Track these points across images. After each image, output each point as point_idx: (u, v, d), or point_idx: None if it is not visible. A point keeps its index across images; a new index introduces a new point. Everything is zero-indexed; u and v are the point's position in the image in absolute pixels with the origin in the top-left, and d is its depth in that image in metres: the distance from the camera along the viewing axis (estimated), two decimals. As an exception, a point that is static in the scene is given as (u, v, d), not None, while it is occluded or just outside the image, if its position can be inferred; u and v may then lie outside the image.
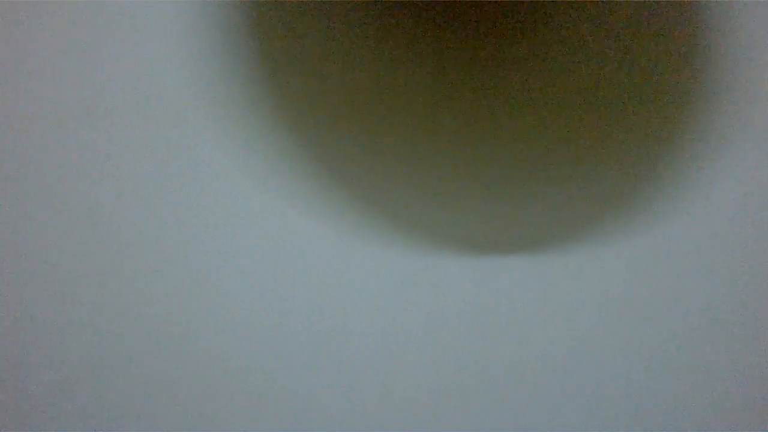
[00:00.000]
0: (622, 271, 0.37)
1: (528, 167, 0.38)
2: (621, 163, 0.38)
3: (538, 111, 0.38)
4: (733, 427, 0.36)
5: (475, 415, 0.35)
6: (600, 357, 0.36)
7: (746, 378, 0.36)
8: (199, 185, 0.37)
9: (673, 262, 0.37)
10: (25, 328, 0.36)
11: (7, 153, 0.38)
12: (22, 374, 0.35)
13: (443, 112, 0.38)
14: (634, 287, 0.36)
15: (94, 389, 0.35)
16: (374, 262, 0.37)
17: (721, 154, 0.38)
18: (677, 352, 0.36)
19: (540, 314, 0.36)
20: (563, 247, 0.37)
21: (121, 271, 0.36)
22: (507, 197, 0.37)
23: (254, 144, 0.38)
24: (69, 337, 0.36)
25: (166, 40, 0.39)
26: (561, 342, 0.36)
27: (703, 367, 0.36)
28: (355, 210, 0.37)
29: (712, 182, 0.38)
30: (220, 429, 0.35)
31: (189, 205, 0.37)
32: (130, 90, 0.38)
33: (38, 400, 0.35)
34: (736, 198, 0.37)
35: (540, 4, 0.39)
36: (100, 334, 0.36)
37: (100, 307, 0.36)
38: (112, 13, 0.39)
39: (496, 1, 0.39)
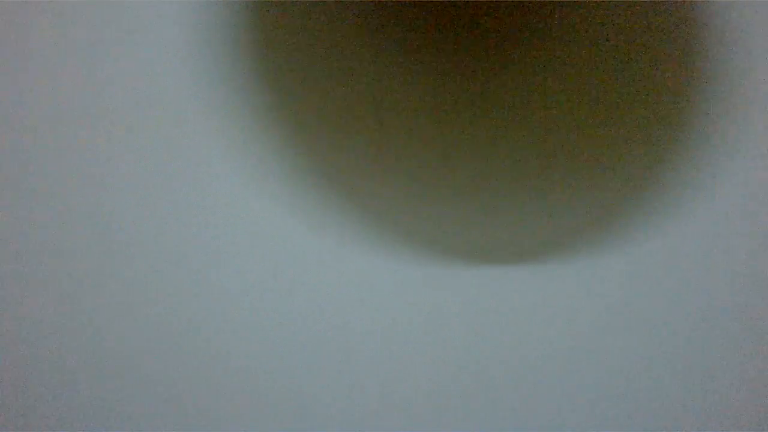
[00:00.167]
0: (623, 279, 0.37)
1: (528, 175, 0.38)
2: (621, 171, 0.38)
3: (538, 120, 0.38)
4: None
5: (475, 422, 0.35)
6: (601, 365, 0.36)
7: (750, 386, 0.36)
8: (199, 186, 0.37)
9: (674, 270, 0.37)
10: (27, 328, 0.36)
11: (8, 154, 0.38)
12: (23, 375, 0.35)
13: (443, 121, 0.38)
14: (635, 295, 0.36)
15: (94, 390, 0.35)
16: (374, 271, 0.37)
17: (723, 161, 0.38)
18: (679, 360, 0.36)
19: (541, 322, 0.36)
20: (564, 256, 0.37)
21: (122, 272, 0.36)
22: (507, 205, 0.37)
23: (254, 147, 0.38)
24: (69, 338, 0.36)
25: (166, 41, 0.39)
26: (562, 350, 0.36)
27: (706, 376, 0.36)
28: (355, 217, 0.37)
29: (713, 189, 0.38)
30: (221, 429, 0.35)
31: (189, 206, 0.37)
32: (129, 91, 0.38)
33: (39, 400, 0.35)
34: (739, 204, 0.37)
35: (541, 9, 0.39)
36: (100, 334, 0.36)
37: (101, 307, 0.36)
38: (112, 14, 0.39)
39: (497, 4, 0.39)
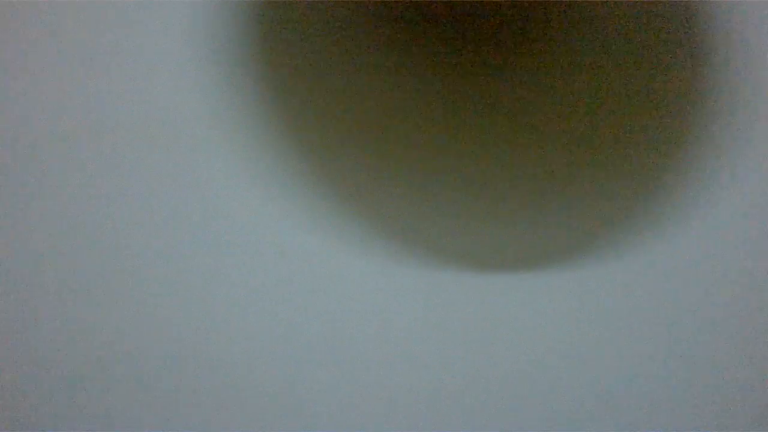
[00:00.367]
0: (626, 286, 0.37)
1: (531, 182, 0.37)
2: (624, 178, 0.38)
3: (540, 124, 0.38)
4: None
5: (473, 429, 0.35)
6: (603, 373, 0.36)
7: (755, 392, 0.36)
8: (200, 186, 0.37)
9: (677, 277, 0.37)
10: (29, 331, 0.36)
11: (9, 153, 0.38)
12: (24, 376, 0.35)
13: (445, 123, 0.38)
14: (639, 302, 0.36)
15: (94, 391, 0.35)
16: (376, 278, 0.37)
17: (728, 166, 0.38)
18: (683, 369, 0.36)
19: (542, 329, 0.36)
20: (566, 262, 0.37)
21: (122, 273, 0.36)
22: (509, 212, 0.37)
23: (255, 148, 0.38)
24: (70, 339, 0.36)
25: (168, 41, 0.39)
26: (563, 358, 0.36)
27: (710, 384, 0.36)
28: (357, 225, 0.37)
29: (717, 195, 0.38)
30: (221, 429, 0.35)
31: (189, 206, 0.37)
32: (129, 92, 0.38)
33: (40, 401, 0.35)
34: (743, 211, 0.37)
35: (544, 11, 0.39)
36: (101, 335, 0.36)
37: (100, 307, 0.36)
38: (112, 15, 0.39)
39: (499, 5, 0.39)
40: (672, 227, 0.37)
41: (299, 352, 0.36)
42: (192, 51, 0.39)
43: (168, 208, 0.37)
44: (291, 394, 0.35)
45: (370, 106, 0.38)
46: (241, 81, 0.38)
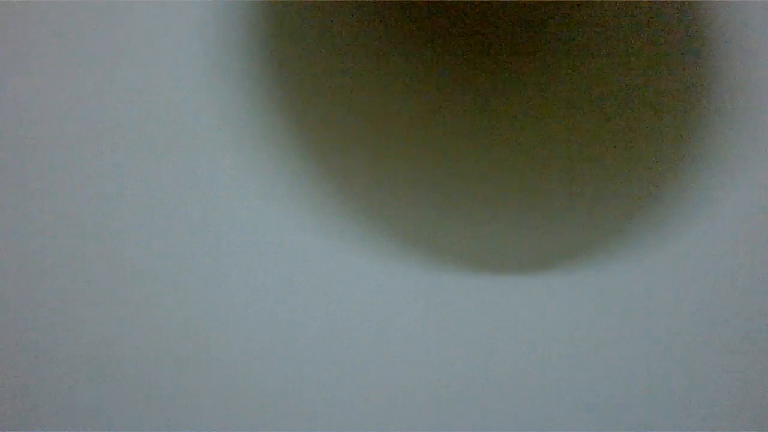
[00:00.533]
0: (630, 288, 0.37)
1: (531, 184, 0.37)
2: (624, 180, 0.38)
3: (544, 127, 0.38)
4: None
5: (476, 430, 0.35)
6: (607, 376, 0.36)
7: (755, 393, 0.36)
8: (201, 187, 0.37)
9: (681, 279, 0.37)
10: (31, 332, 0.36)
11: (10, 154, 0.38)
12: (24, 377, 0.35)
13: (446, 124, 0.38)
14: (643, 304, 0.36)
15: (95, 392, 0.35)
16: (376, 278, 0.37)
17: (732, 168, 0.38)
18: (688, 370, 0.36)
19: (546, 331, 0.36)
20: (569, 264, 0.37)
21: (122, 273, 0.36)
22: (510, 214, 0.37)
23: (259, 155, 0.38)
24: (71, 340, 0.36)
25: (171, 42, 0.39)
26: (568, 359, 0.36)
27: (717, 386, 0.36)
28: (358, 225, 0.37)
29: (722, 197, 0.38)
30: (221, 429, 0.35)
31: (189, 207, 0.37)
32: (129, 92, 0.38)
33: (40, 401, 0.35)
34: (748, 213, 0.37)
35: (545, 13, 0.39)
36: (101, 336, 0.36)
37: (101, 307, 0.36)
38: (114, 15, 0.39)
39: (500, 6, 0.39)
40: (672, 229, 0.37)
41: (299, 351, 0.36)
42: (194, 51, 0.39)
43: (169, 208, 0.37)
44: (291, 394, 0.35)
45: (371, 107, 0.38)
46: (243, 81, 0.38)
